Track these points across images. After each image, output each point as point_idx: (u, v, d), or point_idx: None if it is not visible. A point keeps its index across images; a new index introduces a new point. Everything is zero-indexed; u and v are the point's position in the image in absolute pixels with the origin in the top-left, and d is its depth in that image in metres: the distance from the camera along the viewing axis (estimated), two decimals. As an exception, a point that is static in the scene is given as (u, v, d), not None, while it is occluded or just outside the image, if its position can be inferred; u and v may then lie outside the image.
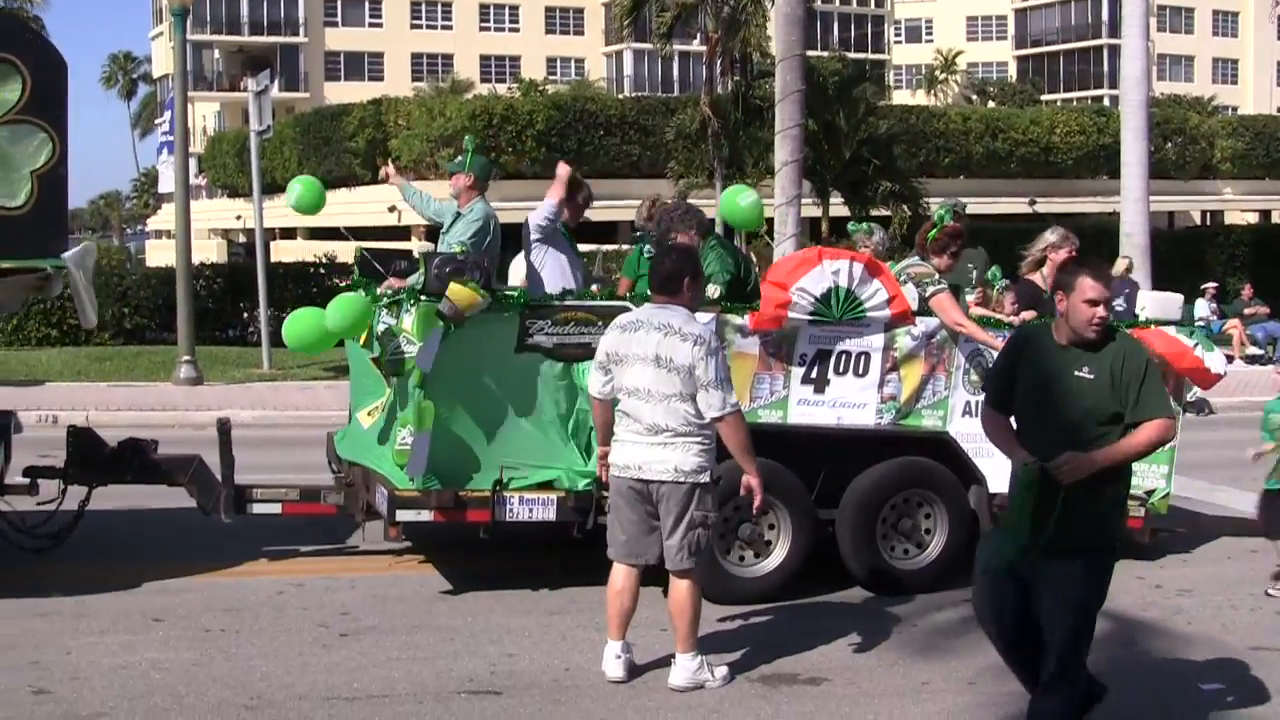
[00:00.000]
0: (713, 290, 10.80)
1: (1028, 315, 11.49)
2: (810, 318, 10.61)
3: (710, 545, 9.02)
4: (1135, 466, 11.53)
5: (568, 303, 10.48)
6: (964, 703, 8.49)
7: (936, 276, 11.27)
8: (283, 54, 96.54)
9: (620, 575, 8.68)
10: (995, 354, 10.86)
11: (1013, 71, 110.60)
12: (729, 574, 10.54)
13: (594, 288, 11.49)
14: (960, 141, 58.92)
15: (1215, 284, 35.97)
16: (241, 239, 68.64)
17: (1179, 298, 12.42)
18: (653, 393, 8.34)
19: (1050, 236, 12.50)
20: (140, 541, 11.75)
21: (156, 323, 29.37)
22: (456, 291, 9.96)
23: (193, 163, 43.49)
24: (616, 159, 52.16)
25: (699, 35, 48.93)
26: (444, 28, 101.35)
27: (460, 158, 11.96)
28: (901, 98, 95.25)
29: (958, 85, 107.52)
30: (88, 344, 28.38)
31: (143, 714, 7.95)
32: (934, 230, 11.74)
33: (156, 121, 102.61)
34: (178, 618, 9.91)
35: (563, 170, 11.68)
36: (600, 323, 10.19)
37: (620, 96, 71.29)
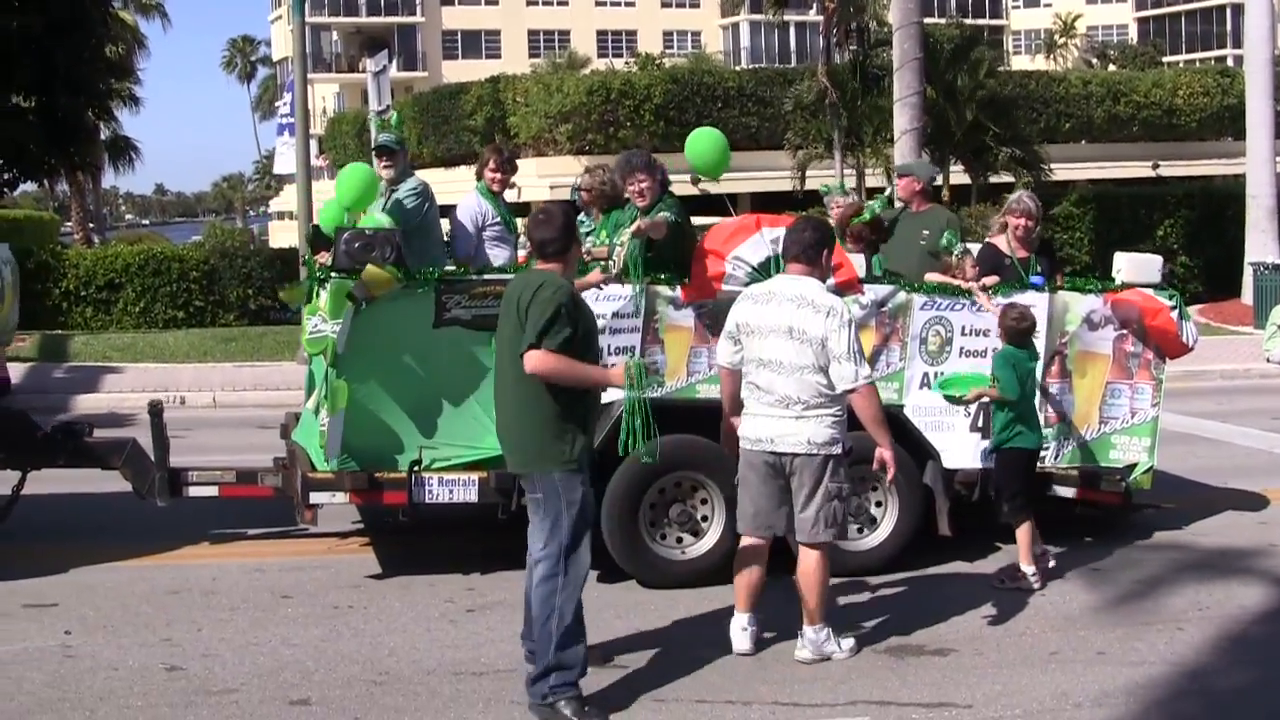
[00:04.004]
0: (667, 216, 10.29)
1: (990, 280, 11.11)
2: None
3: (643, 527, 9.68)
4: (1116, 440, 11.16)
5: (485, 277, 10.23)
6: (1094, 674, 8.38)
7: None
8: (400, 34, 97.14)
9: (749, 548, 8.66)
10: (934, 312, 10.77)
11: (1133, 34, 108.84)
12: (658, 557, 10.21)
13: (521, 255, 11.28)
14: (1081, 106, 58.07)
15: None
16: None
17: (1158, 259, 11.78)
18: (785, 364, 8.31)
19: (1010, 201, 12.14)
20: (264, 520, 11.84)
21: (281, 303, 29.66)
22: (371, 275, 9.81)
23: (313, 144, 43.96)
24: (735, 131, 51.74)
25: (815, 4, 48.56)
26: (560, 4, 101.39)
27: (387, 136, 11.83)
28: (1020, 63, 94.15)
29: (1077, 49, 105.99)
30: (213, 325, 28.73)
31: (273, 690, 8.04)
32: (856, 218, 11.56)
33: (277, 104, 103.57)
34: (306, 595, 10.03)
35: None
36: None
37: (737, 69, 70.97)
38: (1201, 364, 21.62)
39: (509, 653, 8.62)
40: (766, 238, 10.28)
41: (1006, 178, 39.76)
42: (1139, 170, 56.53)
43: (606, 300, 10.13)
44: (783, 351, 8.34)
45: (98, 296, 29.28)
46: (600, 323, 9.87)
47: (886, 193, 12.14)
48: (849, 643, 8.68)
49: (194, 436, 16.92)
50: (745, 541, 8.70)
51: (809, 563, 8.52)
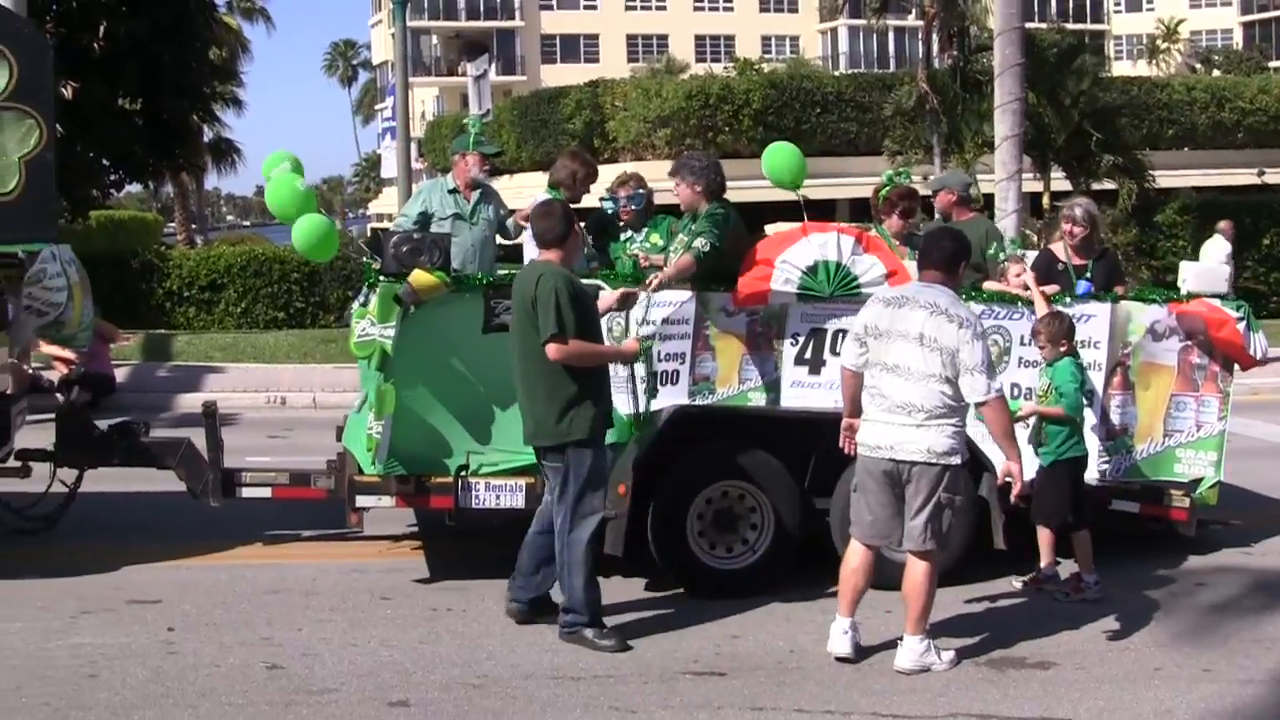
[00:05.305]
0: (701, 244, 10.06)
1: (1050, 289, 10.74)
2: (799, 293, 10.09)
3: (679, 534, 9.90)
4: (1181, 454, 10.76)
5: None
6: (1199, 691, 8.26)
7: None
8: (499, 38, 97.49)
9: (857, 554, 8.66)
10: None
11: (1238, 38, 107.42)
12: (705, 566, 10.07)
13: (592, 265, 11.04)
14: (1184, 112, 57.31)
15: None
16: (461, 221, 69.38)
17: (1225, 269, 11.59)
18: (913, 370, 8.31)
19: (1064, 208, 11.96)
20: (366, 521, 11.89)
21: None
22: (419, 278, 9.74)
23: (413, 147, 44.19)
24: (834, 137, 51.61)
25: (914, 10, 48.27)
26: (658, 8, 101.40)
27: (483, 137, 12.01)
28: (1122, 69, 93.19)
29: (1180, 54, 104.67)
30: (313, 327, 28.91)
31: (371, 691, 8.08)
32: (884, 190, 11.49)
33: (377, 107, 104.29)
34: (404, 596, 10.07)
35: None
36: None
37: (836, 73, 70.72)
38: (1308, 375, 21.31)
39: (607, 658, 8.64)
40: (815, 243, 10.16)
41: (1109, 185, 39.38)
42: (1244, 178, 55.76)
43: (657, 307, 10.06)
44: (911, 357, 8.32)
45: (200, 297, 29.56)
46: (650, 329, 9.99)
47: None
48: (949, 654, 8.61)
49: (295, 437, 17.09)
50: (855, 547, 8.68)
51: (916, 572, 8.48)
